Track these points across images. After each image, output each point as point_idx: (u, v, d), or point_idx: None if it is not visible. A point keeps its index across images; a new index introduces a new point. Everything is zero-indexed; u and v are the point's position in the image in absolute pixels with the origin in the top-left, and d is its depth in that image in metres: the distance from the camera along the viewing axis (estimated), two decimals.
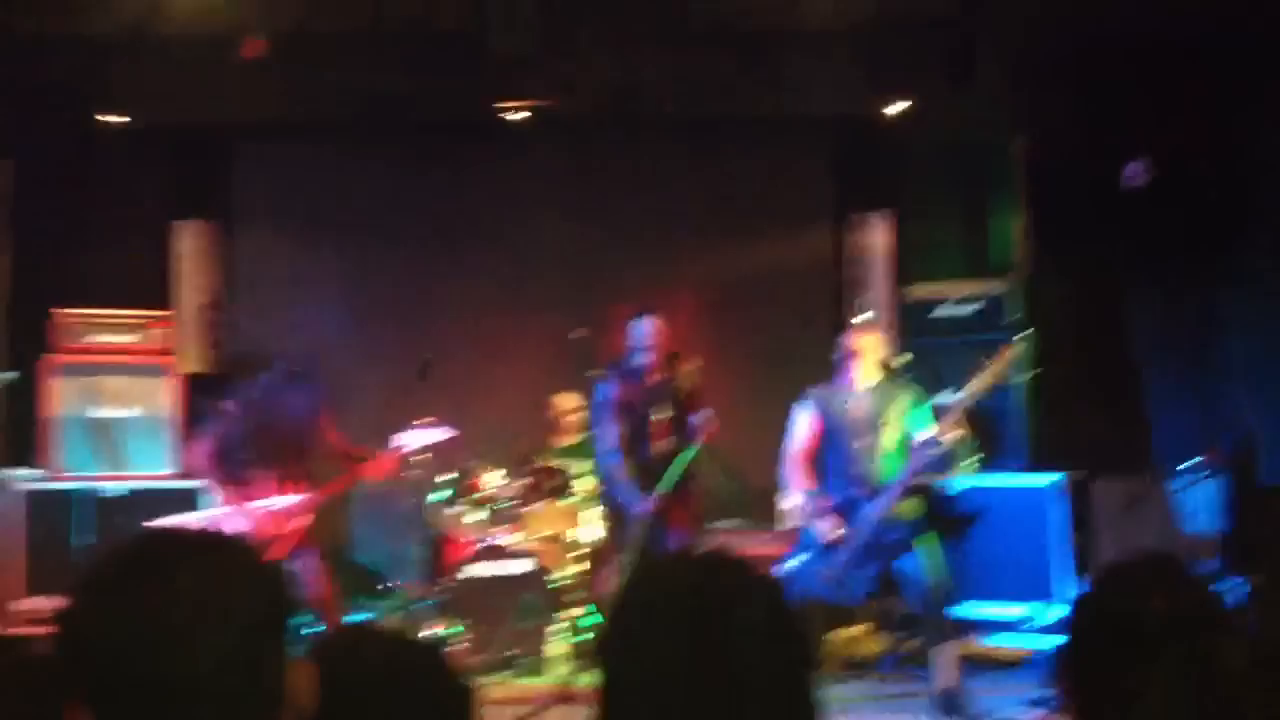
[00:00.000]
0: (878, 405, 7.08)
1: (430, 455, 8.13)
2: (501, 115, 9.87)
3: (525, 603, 8.13)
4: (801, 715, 1.85)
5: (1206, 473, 7.44)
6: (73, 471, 8.76)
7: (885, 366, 7.48)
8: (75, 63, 8.91)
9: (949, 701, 6.74)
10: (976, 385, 6.80)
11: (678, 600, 1.83)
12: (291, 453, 7.47)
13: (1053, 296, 8.77)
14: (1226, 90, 8.28)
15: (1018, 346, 7.21)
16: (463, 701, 2.18)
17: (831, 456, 7.17)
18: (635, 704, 1.80)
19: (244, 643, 1.62)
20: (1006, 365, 6.95)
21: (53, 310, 9.14)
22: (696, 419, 7.47)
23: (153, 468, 9.06)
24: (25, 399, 8.96)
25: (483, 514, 8.47)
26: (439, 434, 7.79)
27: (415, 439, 7.65)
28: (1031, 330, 8.42)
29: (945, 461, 7.03)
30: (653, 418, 7.57)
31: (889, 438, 7.02)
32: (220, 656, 1.60)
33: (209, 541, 1.70)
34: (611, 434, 7.66)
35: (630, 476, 7.58)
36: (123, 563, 1.66)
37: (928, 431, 6.92)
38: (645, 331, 7.64)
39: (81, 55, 8.89)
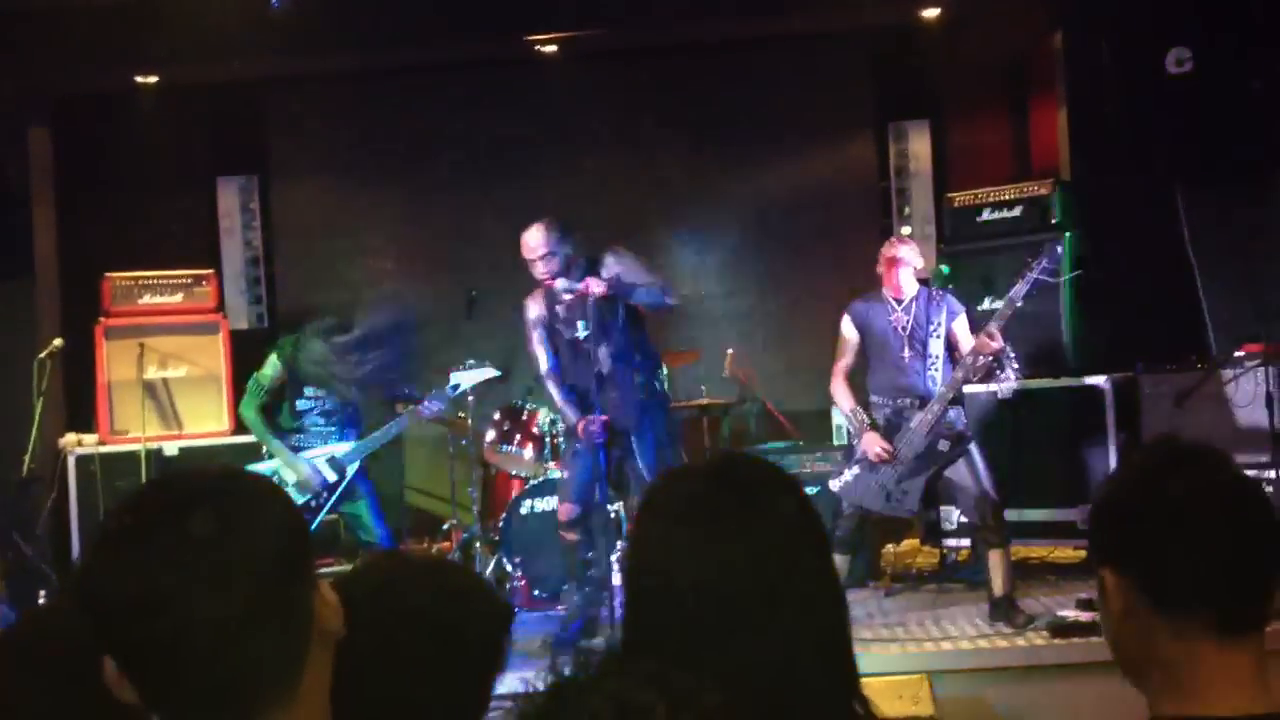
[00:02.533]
0: (921, 314, 7.01)
1: (477, 395, 8.17)
2: (534, 47, 9.79)
3: None
4: (829, 601, 1.81)
5: (1258, 363, 7.30)
6: (129, 434, 8.82)
7: (926, 275, 7.41)
8: (104, 27, 8.90)
9: (1002, 607, 6.72)
10: (1021, 288, 6.73)
11: (695, 500, 1.81)
12: (340, 405, 7.53)
13: (1097, 195, 8.62)
14: None
15: (1061, 247, 7.10)
16: (497, 623, 2.14)
17: (878, 368, 7.13)
18: (662, 611, 1.75)
19: (265, 581, 1.59)
20: (1050, 266, 6.85)
21: (104, 275, 9.17)
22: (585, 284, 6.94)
23: (208, 425, 9.13)
24: (78, 364, 9.00)
25: (535, 450, 8.46)
26: (487, 373, 7.81)
27: (464, 379, 7.68)
28: (1076, 230, 8.31)
29: (991, 367, 6.96)
30: (569, 335, 7.15)
31: (934, 346, 6.96)
32: (242, 597, 1.56)
33: (219, 483, 1.66)
34: (539, 353, 7.33)
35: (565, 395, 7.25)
36: (132, 514, 1.62)
37: (972, 338, 6.86)
38: (525, 245, 7.14)
39: (110, 18, 8.87)
